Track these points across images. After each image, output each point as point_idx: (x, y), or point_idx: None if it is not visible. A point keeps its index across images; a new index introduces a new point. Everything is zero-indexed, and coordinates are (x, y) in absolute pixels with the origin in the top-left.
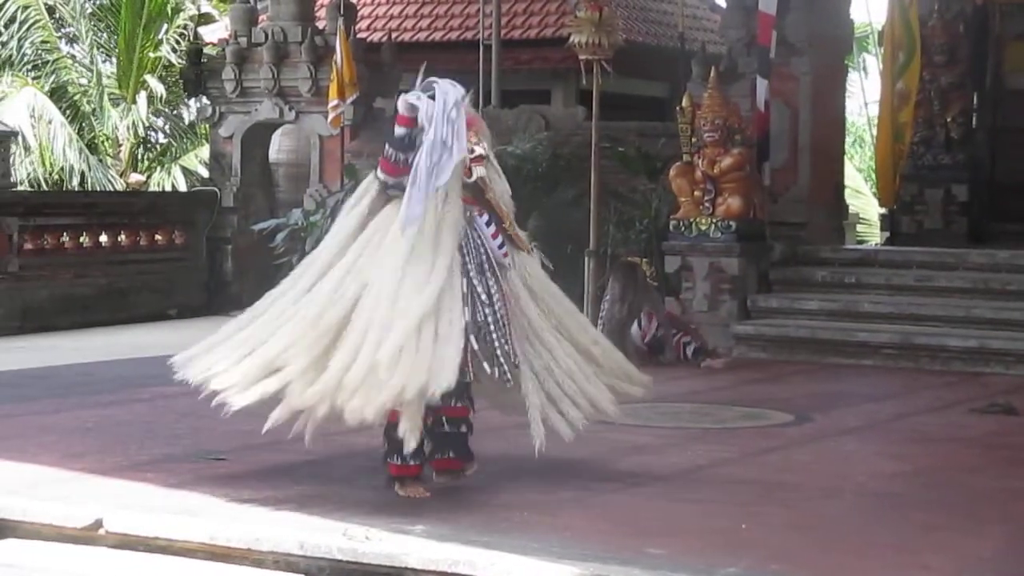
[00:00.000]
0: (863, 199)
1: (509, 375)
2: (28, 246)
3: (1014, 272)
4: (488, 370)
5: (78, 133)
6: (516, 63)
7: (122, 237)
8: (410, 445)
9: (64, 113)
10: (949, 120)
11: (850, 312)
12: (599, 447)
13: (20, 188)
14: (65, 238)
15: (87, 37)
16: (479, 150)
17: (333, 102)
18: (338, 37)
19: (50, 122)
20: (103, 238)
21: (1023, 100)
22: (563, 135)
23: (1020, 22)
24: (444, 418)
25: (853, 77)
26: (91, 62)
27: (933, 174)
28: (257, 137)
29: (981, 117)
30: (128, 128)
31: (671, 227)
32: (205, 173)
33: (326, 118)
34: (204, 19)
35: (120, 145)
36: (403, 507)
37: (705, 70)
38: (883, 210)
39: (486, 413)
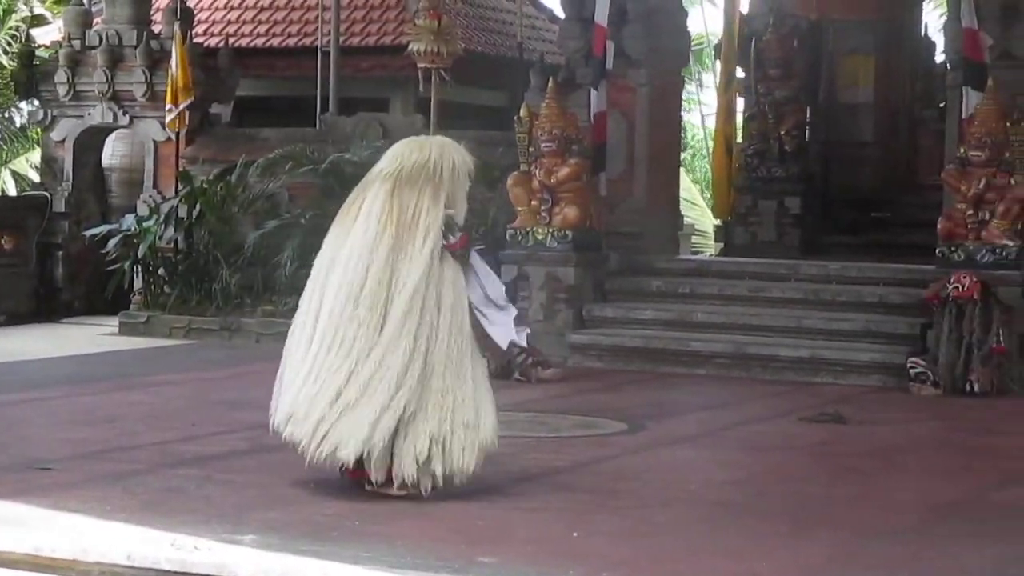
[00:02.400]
0: (698, 210)
1: None
2: None
3: (845, 283)
4: None
5: None
6: (355, 70)
7: None
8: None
9: None
10: (783, 133)
11: (684, 322)
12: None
13: None
14: None
15: None
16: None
17: (167, 107)
18: (174, 41)
19: None
20: None
21: (855, 114)
22: None
23: (853, 38)
24: None
25: (690, 89)
26: None
27: (767, 186)
28: (90, 141)
29: (814, 130)
30: None
31: (508, 236)
32: (36, 178)
33: (161, 123)
34: (37, 21)
35: None
36: (232, 517)
37: (543, 80)
38: (718, 221)
39: None
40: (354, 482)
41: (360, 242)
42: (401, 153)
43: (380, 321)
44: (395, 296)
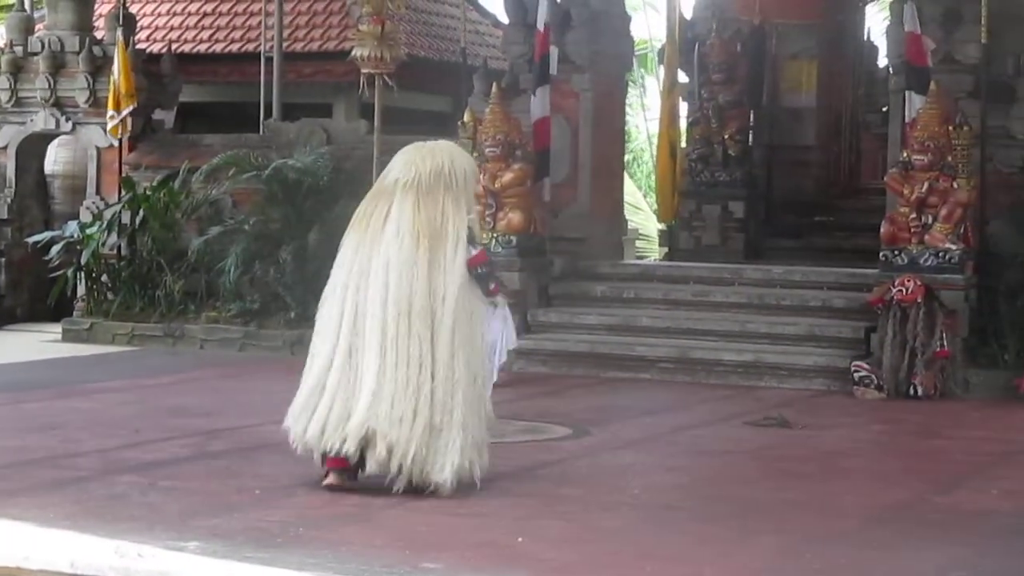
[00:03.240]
0: (642, 215)
1: None
2: None
3: (788, 287)
4: None
5: None
6: (298, 76)
7: None
8: None
9: None
10: (727, 137)
11: (628, 326)
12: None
13: None
14: None
15: None
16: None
17: (110, 113)
18: (117, 47)
19: None
20: None
21: (798, 118)
22: (345, 149)
23: (796, 42)
24: None
25: (634, 94)
26: None
27: (711, 191)
28: (33, 148)
29: (758, 135)
30: None
31: None
32: None
33: (104, 129)
34: None
35: None
36: (176, 524)
37: (487, 85)
38: (662, 226)
39: (262, 428)
40: (336, 471)
41: (397, 256)
42: (414, 161)
43: (432, 334)
44: (437, 308)
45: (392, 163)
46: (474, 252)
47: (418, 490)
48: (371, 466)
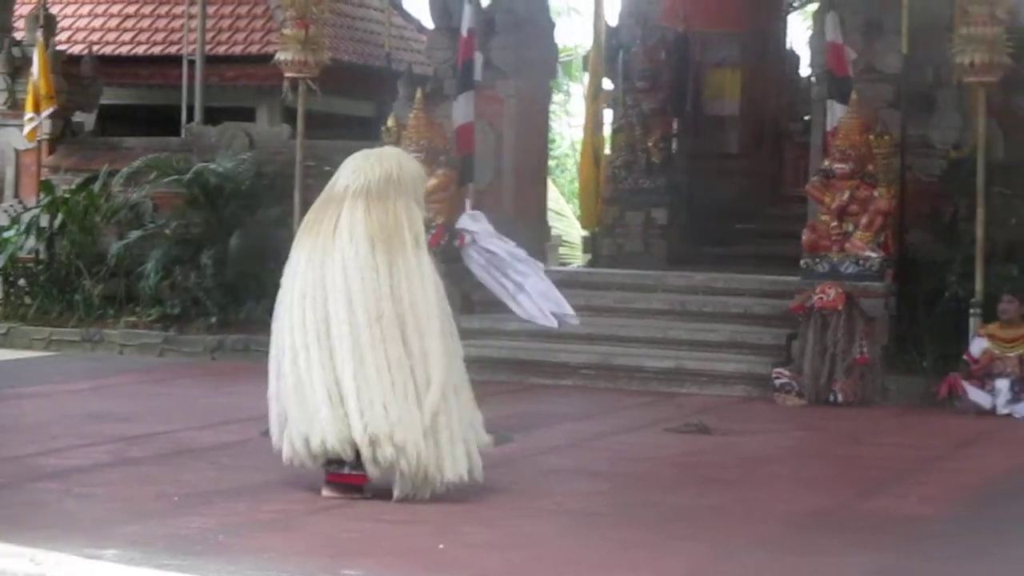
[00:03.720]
0: (566, 221)
1: None
2: None
3: (710, 294)
4: None
5: None
6: (221, 79)
7: None
8: None
9: None
10: (651, 145)
11: (551, 333)
12: (301, 469)
13: None
14: None
15: None
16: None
17: (28, 115)
18: (36, 49)
19: None
20: None
21: (721, 126)
22: (268, 153)
23: (719, 50)
24: None
25: (558, 101)
26: None
27: (634, 197)
28: None
29: (681, 142)
30: None
31: None
32: None
33: (22, 131)
34: None
35: None
36: (93, 532)
37: (411, 91)
38: (585, 232)
39: (182, 434)
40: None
41: (354, 261)
42: (362, 168)
43: (403, 336)
44: (406, 313)
45: (340, 171)
46: (429, 237)
47: (419, 496)
48: (373, 470)
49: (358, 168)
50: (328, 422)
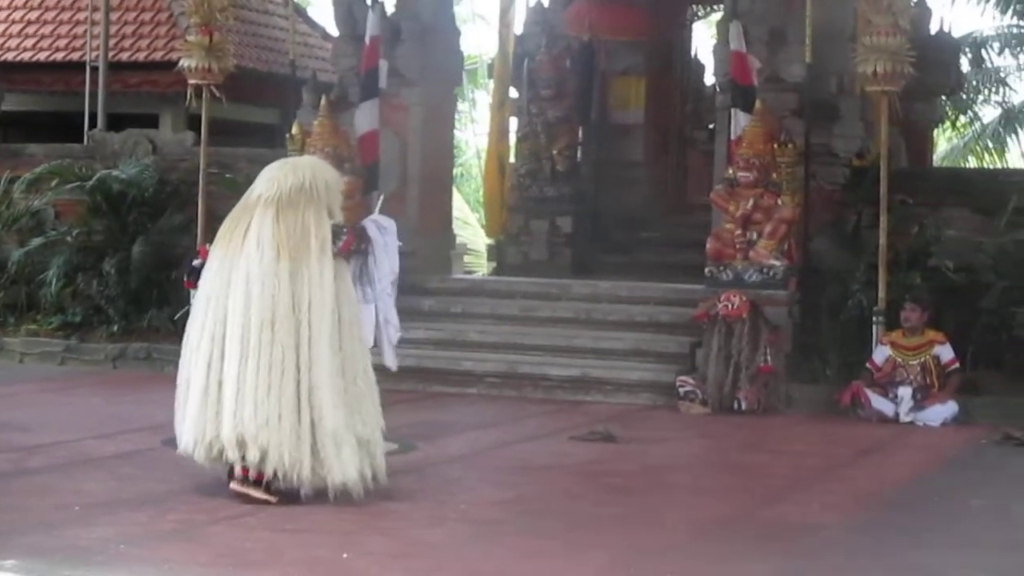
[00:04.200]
0: (471, 229)
1: None
2: None
3: (615, 303)
4: None
5: None
6: (124, 86)
7: None
8: None
9: None
10: (556, 153)
11: (456, 341)
12: (203, 478)
13: None
14: None
15: None
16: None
17: None
18: None
19: None
20: None
21: (626, 134)
22: (171, 160)
23: (624, 58)
24: None
25: (463, 109)
26: None
27: (539, 206)
28: None
29: (586, 151)
30: None
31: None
32: None
33: None
34: None
35: None
36: None
37: (316, 98)
38: (490, 241)
39: (83, 444)
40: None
41: (258, 268)
42: (276, 177)
43: (296, 342)
44: (302, 317)
45: (256, 180)
46: (340, 244)
47: (313, 495)
48: (249, 472)
49: (272, 178)
50: (194, 421)
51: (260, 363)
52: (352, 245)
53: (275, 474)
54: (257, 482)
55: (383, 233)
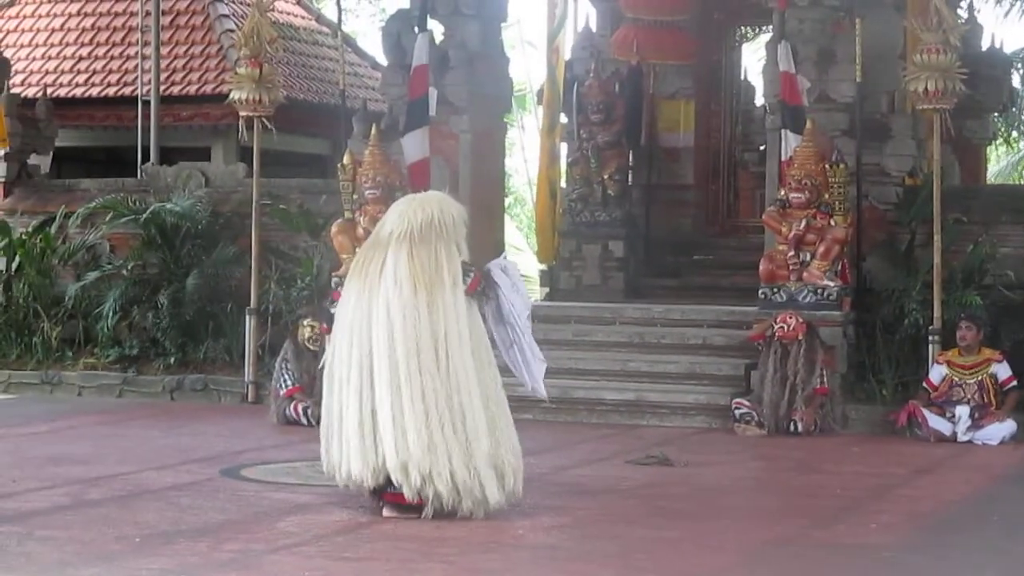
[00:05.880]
0: (523, 255)
1: None
2: None
3: (668, 326)
4: None
5: None
6: (176, 119)
7: None
8: None
9: None
10: (606, 177)
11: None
12: (261, 507)
13: None
14: None
15: None
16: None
17: None
18: None
19: None
20: None
21: (676, 157)
22: (224, 192)
23: (672, 82)
24: None
25: (513, 135)
26: None
27: (591, 230)
28: None
29: (636, 174)
30: None
31: (333, 284)
32: None
33: None
34: None
35: None
36: (54, 574)
37: (366, 127)
38: (542, 266)
39: (142, 475)
40: (391, 505)
41: (398, 301)
42: (406, 213)
43: (439, 369)
44: (440, 347)
45: (386, 216)
46: (468, 282)
47: (451, 514)
48: (409, 495)
49: (402, 214)
50: (355, 451)
51: (413, 392)
52: (478, 285)
53: (434, 496)
54: (417, 507)
55: (507, 273)
